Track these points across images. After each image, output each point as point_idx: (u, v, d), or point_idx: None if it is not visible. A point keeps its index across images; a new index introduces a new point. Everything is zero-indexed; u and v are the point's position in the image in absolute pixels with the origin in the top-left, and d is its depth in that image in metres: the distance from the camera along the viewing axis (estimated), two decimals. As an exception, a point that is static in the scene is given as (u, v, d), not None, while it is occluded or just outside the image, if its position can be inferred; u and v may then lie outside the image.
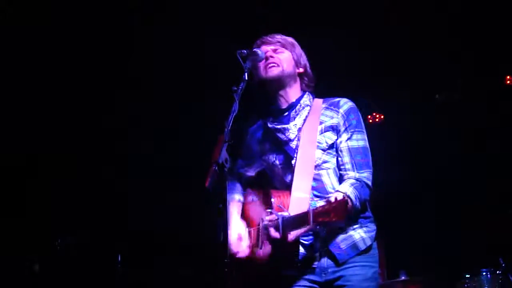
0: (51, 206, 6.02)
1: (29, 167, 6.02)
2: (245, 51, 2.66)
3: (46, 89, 5.66)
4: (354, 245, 2.58)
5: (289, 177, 2.72)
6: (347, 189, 2.54)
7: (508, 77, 6.14)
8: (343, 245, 2.58)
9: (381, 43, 5.68)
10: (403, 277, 5.26)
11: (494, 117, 6.09)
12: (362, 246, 2.59)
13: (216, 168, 2.22)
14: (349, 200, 2.47)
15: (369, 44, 5.66)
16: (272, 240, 2.50)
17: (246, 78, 2.54)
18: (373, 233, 2.66)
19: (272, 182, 2.86)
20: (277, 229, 2.44)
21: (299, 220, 2.38)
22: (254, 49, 2.70)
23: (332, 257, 2.57)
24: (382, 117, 6.86)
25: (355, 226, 2.61)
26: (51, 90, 5.67)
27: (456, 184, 6.16)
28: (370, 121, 6.84)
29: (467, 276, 4.95)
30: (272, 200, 2.60)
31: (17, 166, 5.95)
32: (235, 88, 2.48)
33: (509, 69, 6.17)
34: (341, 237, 2.59)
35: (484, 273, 4.89)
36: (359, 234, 2.61)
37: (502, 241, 5.10)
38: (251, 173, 3.03)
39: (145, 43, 5.48)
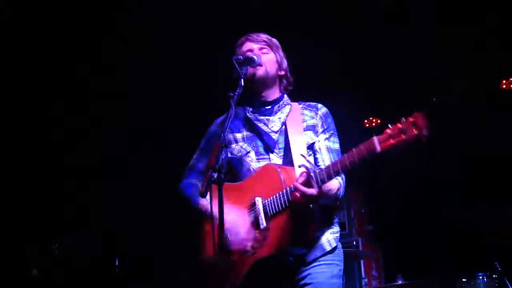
0: (48, 208, 6.03)
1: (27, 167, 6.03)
2: (241, 57, 2.69)
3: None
4: (320, 247, 2.64)
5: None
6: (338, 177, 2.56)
7: (503, 81, 6.17)
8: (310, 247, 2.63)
9: (381, 43, 5.70)
10: (400, 281, 5.27)
11: (492, 119, 6.11)
12: (328, 248, 2.65)
13: (213, 173, 2.25)
14: (339, 187, 2.57)
15: (368, 45, 5.68)
16: (302, 201, 2.39)
17: (243, 84, 2.56)
18: (338, 235, 2.72)
19: (239, 172, 2.78)
20: (309, 185, 2.36)
21: (364, 149, 2.24)
22: (250, 56, 2.71)
23: (299, 257, 2.60)
24: (379, 121, 6.86)
25: (323, 228, 2.67)
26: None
27: (454, 186, 6.18)
28: (367, 125, 6.83)
29: (463, 280, 4.95)
30: (279, 170, 2.53)
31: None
32: (232, 94, 2.50)
33: (505, 73, 6.20)
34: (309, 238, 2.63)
35: (480, 277, 4.89)
36: (326, 236, 2.66)
37: (498, 245, 5.10)
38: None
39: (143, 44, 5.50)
